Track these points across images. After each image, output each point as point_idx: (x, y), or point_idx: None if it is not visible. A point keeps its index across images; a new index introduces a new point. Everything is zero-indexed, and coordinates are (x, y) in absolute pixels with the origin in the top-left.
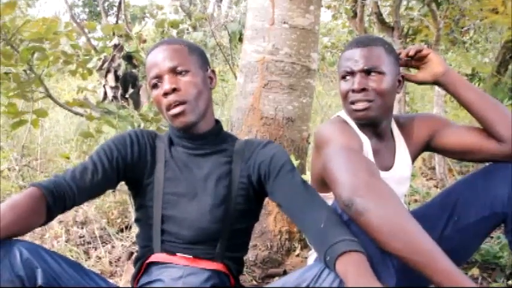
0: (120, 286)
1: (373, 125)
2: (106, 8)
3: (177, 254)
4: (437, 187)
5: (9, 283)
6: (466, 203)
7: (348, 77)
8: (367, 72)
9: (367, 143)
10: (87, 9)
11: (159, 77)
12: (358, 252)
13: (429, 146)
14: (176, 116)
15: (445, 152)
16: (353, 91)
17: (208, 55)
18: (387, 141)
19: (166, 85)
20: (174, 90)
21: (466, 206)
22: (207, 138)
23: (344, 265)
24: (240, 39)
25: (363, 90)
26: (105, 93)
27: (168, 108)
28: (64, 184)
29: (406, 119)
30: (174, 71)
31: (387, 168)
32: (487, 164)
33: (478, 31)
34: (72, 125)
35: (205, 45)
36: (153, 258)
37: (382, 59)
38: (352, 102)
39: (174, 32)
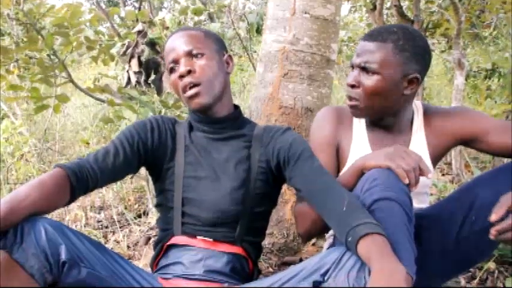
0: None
1: (375, 119)
2: None
3: (198, 236)
4: (452, 182)
5: (34, 257)
6: (484, 203)
7: (352, 69)
8: (363, 69)
9: (362, 135)
10: None
11: (175, 61)
12: (381, 235)
13: (463, 144)
14: (191, 97)
15: (483, 152)
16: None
17: (226, 45)
18: (397, 133)
19: (181, 67)
20: (189, 72)
21: (484, 207)
22: (226, 123)
23: (366, 246)
24: (258, 31)
25: (353, 86)
26: (129, 78)
27: (184, 90)
28: (87, 166)
29: (438, 112)
30: (189, 54)
31: None
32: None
33: (501, 25)
34: (90, 112)
35: (223, 36)
36: (174, 240)
37: (383, 59)
38: (348, 96)
39: (191, 23)
